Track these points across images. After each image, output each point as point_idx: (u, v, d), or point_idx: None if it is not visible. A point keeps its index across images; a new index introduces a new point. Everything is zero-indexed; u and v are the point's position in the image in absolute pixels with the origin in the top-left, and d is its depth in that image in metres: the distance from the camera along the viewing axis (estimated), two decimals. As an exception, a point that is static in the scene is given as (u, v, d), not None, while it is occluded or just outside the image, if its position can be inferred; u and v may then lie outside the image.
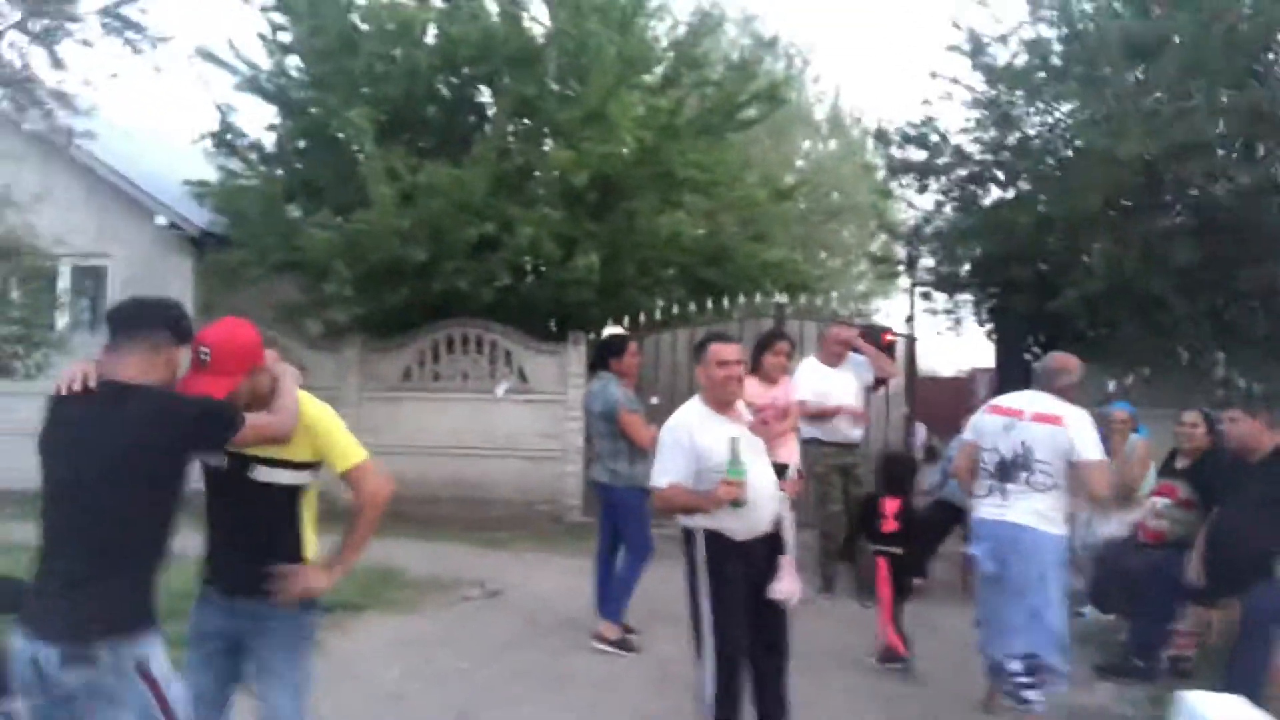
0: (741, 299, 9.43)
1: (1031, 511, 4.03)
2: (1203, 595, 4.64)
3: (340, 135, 9.10)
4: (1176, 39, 6.95)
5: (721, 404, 3.68)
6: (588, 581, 6.27)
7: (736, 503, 3.44)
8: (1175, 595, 4.75)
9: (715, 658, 3.68)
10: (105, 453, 2.21)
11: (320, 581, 2.66)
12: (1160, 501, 5.31)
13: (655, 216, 9.52)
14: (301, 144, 10.10)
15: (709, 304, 9.31)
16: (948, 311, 10.79)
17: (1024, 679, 3.98)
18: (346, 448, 2.69)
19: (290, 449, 2.58)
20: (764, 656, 3.75)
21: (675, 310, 9.33)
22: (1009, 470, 4.12)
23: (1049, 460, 4.03)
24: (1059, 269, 7.26)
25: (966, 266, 9.71)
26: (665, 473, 3.59)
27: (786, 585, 3.65)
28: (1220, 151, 7.20)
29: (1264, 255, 6.43)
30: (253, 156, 10.18)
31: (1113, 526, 5.68)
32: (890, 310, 25.75)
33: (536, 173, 9.43)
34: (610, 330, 6.28)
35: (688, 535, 3.66)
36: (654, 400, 8.03)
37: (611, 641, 5.13)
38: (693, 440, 3.57)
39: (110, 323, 2.41)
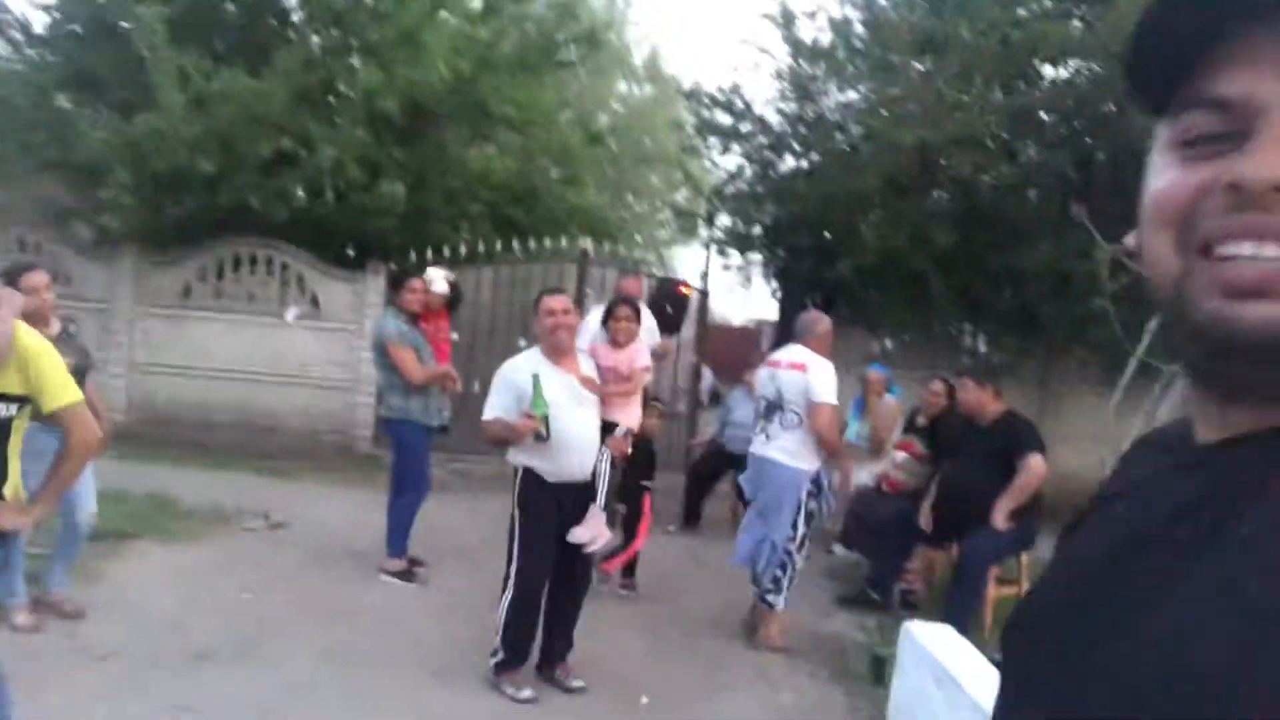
0: (548, 242, 9.53)
1: (780, 448, 4.66)
2: (931, 539, 5.36)
3: (125, 26, 8.30)
4: (962, 37, 7.63)
5: (556, 353, 3.92)
6: (375, 514, 6.31)
7: (538, 435, 3.76)
8: (908, 537, 5.45)
9: (514, 587, 3.95)
10: None
11: (12, 520, 2.65)
12: (900, 455, 6.02)
13: (466, 149, 9.38)
14: (79, 29, 9.11)
15: (514, 244, 9.35)
16: (740, 268, 11.43)
17: (766, 587, 4.70)
18: (59, 387, 2.65)
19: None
20: (563, 595, 4.05)
21: (481, 247, 9.30)
22: (770, 412, 4.73)
23: (796, 402, 4.62)
24: (839, 239, 7.89)
25: (758, 228, 10.28)
26: (491, 408, 3.95)
27: (586, 531, 3.93)
28: (990, 145, 8.02)
29: (1012, 243, 7.29)
30: (19, 37, 9.10)
31: (863, 476, 6.36)
32: (689, 261, 26.61)
33: (342, 90, 9.02)
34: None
35: (514, 471, 3.98)
36: (454, 336, 8.04)
37: (395, 573, 5.24)
38: (522, 383, 3.84)
39: None
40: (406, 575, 5.27)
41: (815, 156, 8.84)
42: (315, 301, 9.21)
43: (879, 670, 4.31)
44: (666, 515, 6.83)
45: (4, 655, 2.79)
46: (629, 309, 4.64)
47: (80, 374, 3.91)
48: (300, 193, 8.59)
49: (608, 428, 4.18)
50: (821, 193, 7.89)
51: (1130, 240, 5.37)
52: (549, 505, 3.95)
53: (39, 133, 8.23)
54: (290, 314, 9.14)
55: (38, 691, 3.40)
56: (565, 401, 3.95)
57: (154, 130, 7.60)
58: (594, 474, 4.04)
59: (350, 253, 9.54)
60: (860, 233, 7.21)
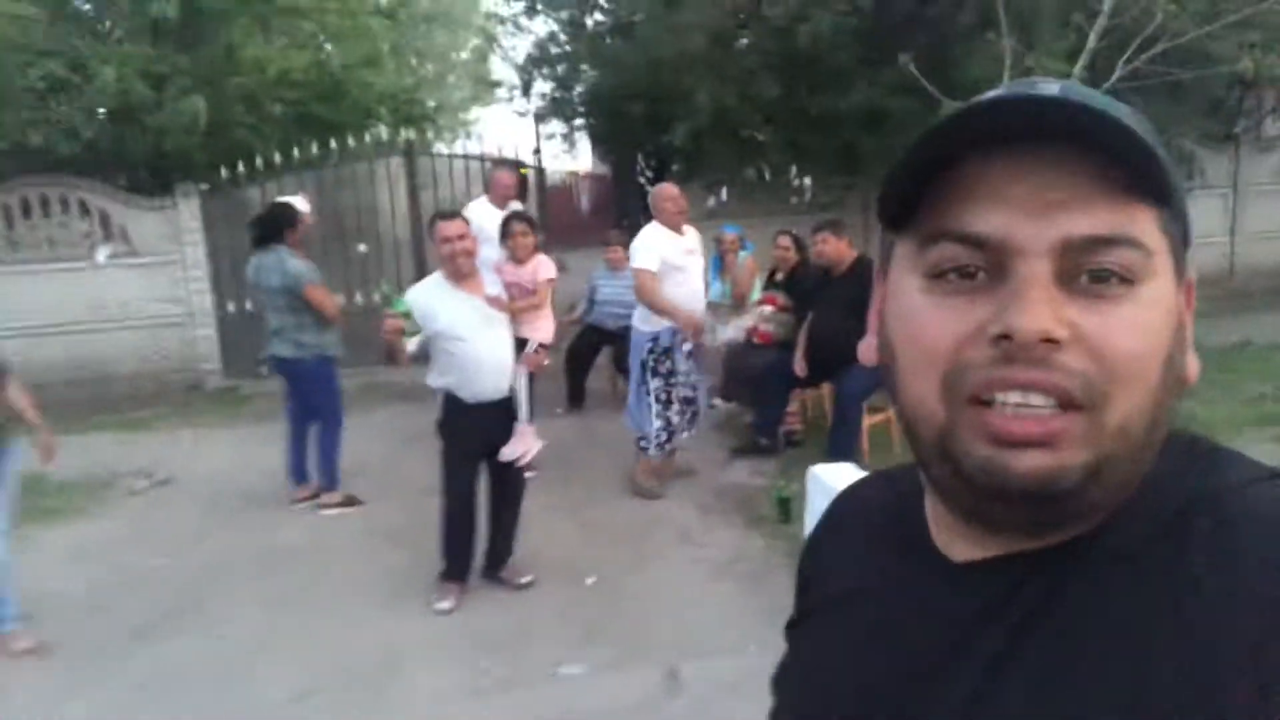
0: (367, 137, 9.09)
1: (636, 314, 5.24)
2: (805, 382, 5.86)
3: None
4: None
5: (458, 276, 3.95)
6: (258, 451, 6.24)
7: (402, 332, 3.92)
8: (785, 384, 5.92)
9: (445, 504, 4.13)
10: None
11: None
12: (765, 309, 6.43)
13: (259, 49, 8.68)
14: None
15: (331, 143, 8.87)
16: (564, 135, 11.37)
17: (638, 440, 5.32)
18: None
19: None
20: (499, 506, 4.25)
21: (296, 153, 8.77)
22: None
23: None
24: (668, 104, 7.98)
25: (579, 89, 10.18)
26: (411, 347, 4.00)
27: (516, 447, 4.10)
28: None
29: (829, 88, 7.63)
30: None
31: (730, 331, 6.76)
32: (492, 123, 25.86)
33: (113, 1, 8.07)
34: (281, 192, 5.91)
35: (434, 395, 4.13)
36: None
37: (339, 504, 5.32)
38: (429, 308, 3.93)
39: None
40: (350, 501, 5.36)
41: (632, 17, 8.74)
42: (125, 237, 8.51)
43: (785, 510, 4.81)
44: (552, 399, 7.04)
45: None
46: (524, 224, 4.68)
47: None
48: (85, 122, 7.76)
49: (520, 344, 4.29)
50: (647, 57, 7.90)
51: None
52: (471, 425, 4.08)
53: None
54: (101, 254, 8.42)
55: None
56: (475, 323, 4.02)
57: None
58: (511, 391, 4.18)
59: (152, 178, 8.79)
60: (693, 97, 7.33)
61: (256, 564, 4.71)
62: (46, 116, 7.56)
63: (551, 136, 11.28)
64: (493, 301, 4.09)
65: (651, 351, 5.15)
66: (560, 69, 10.12)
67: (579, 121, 10.70)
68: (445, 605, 4.12)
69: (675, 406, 5.19)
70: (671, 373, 5.16)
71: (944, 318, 0.55)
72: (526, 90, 11.12)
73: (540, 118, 11.05)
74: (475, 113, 25.07)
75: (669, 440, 5.29)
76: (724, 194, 9.31)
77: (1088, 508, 0.55)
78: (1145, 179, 0.52)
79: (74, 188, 8.28)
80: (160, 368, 8.67)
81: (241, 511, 5.43)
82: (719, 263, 7.03)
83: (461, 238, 3.95)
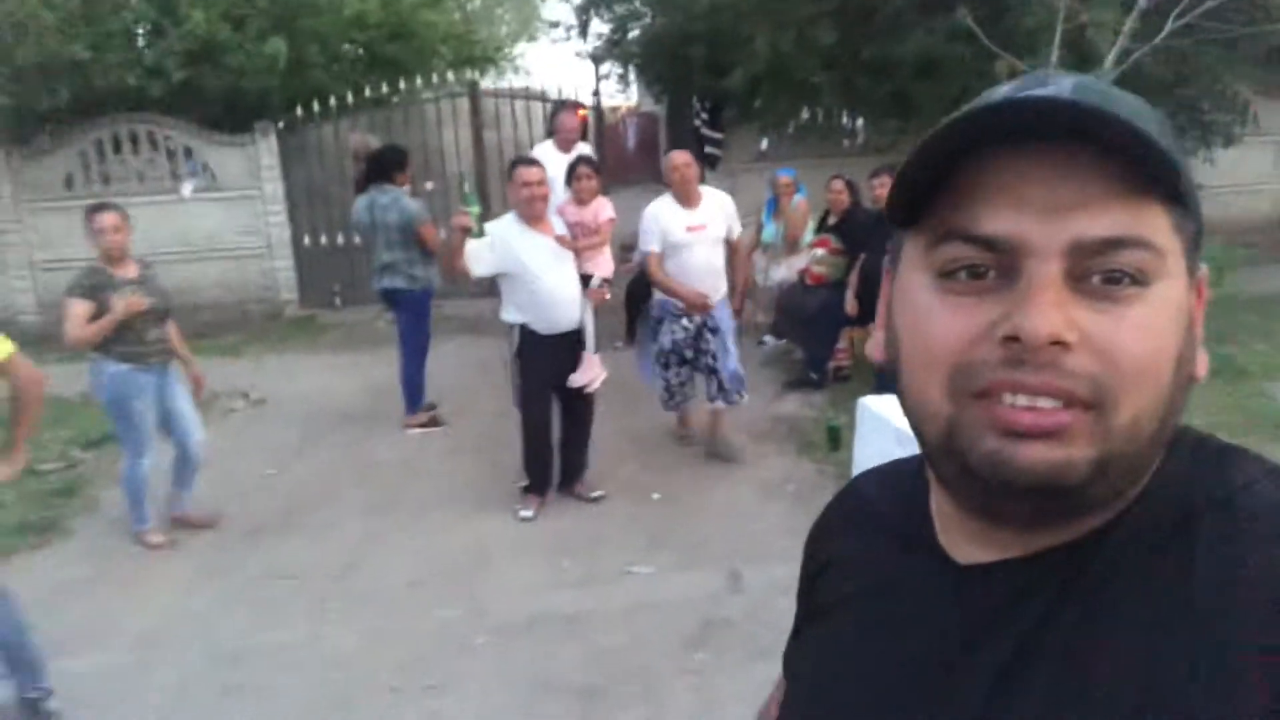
0: (435, 78, 9.43)
1: None
2: (855, 321, 6.20)
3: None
4: None
5: (532, 218, 4.35)
6: (342, 376, 6.75)
7: (468, 231, 4.29)
8: (836, 323, 6.27)
9: (524, 427, 4.58)
10: None
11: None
12: (818, 251, 6.75)
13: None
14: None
15: (400, 84, 9.23)
16: (620, 76, 11.59)
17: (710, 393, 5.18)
18: None
19: None
20: (571, 428, 4.71)
21: (368, 93, 9.14)
22: None
23: None
24: (726, 49, 8.19)
25: (636, 32, 10.36)
26: (479, 262, 4.36)
27: (584, 375, 4.54)
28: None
29: (887, 34, 7.79)
30: None
31: (783, 271, 7.09)
32: (535, 56, 25.86)
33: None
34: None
35: (510, 329, 4.51)
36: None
37: (423, 425, 5.83)
38: (507, 247, 4.33)
39: None
40: (434, 423, 5.87)
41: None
42: (209, 172, 9.00)
43: (834, 438, 5.20)
44: (613, 333, 7.45)
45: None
46: (588, 168, 5.01)
47: (163, 315, 4.16)
48: (173, 63, 8.19)
49: (584, 280, 4.69)
50: (708, 2, 8.10)
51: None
52: (545, 355, 4.51)
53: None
54: (186, 188, 8.93)
55: (152, 582, 3.91)
56: (547, 260, 4.43)
57: (14, 22, 7.06)
58: (580, 323, 4.60)
59: (231, 116, 9.22)
60: (752, 42, 7.55)
61: (353, 475, 5.24)
62: (138, 58, 7.98)
63: (607, 76, 11.49)
64: (561, 241, 4.48)
65: (658, 317, 5.17)
66: (619, 9, 10.30)
67: (635, 63, 10.86)
68: (528, 514, 4.61)
69: (672, 370, 5.14)
70: (676, 341, 5.07)
71: (953, 316, 0.55)
72: (584, 31, 11.31)
73: (597, 59, 11.25)
74: (520, 48, 25.28)
75: (671, 400, 5.27)
76: (776, 138, 9.55)
77: (1094, 503, 0.55)
78: (1157, 180, 0.52)
79: (161, 125, 8.76)
80: (242, 296, 9.22)
81: (334, 429, 5.96)
82: (774, 205, 7.32)
83: (540, 184, 4.35)
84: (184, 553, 4.41)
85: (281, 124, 9.05)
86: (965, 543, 0.62)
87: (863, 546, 0.74)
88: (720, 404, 5.16)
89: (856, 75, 8.42)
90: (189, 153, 8.91)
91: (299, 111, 9.00)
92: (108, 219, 4.06)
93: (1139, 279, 0.53)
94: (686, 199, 4.86)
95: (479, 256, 4.36)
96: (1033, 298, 0.52)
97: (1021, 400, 0.52)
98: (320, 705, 3.21)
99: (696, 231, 4.87)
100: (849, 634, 0.70)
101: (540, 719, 3.10)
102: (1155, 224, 0.53)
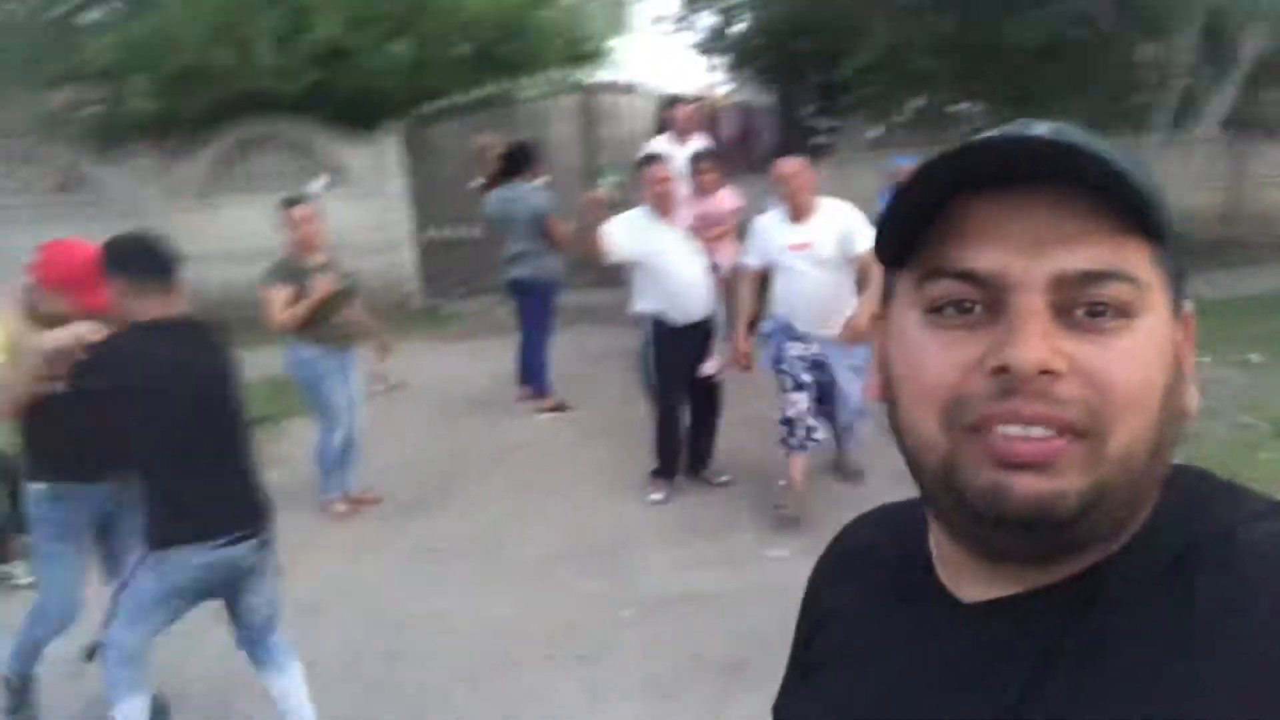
0: (546, 77, 9.70)
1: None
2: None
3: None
4: None
5: (664, 211, 4.52)
6: (471, 363, 7.04)
7: (604, 207, 4.51)
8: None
9: (657, 414, 4.75)
10: None
11: None
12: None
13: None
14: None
15: (513, 81, 9.53)
16: (728, 67, 11.68)
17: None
18: None
19: None
20: (701, 415, 4.86)
21: (483, 91, 9.46)
22: None
23: None
24: (837, 39, 8.21)
25: (744, 25, 10.43)
26: (616, 246, 4.53)
27: (714, 364, 4.69)
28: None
29: (1004, 19, 7.68)
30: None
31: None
32: (625, 47, 26.00)
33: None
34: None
35: (640, 320, 4.68)
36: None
37: (552, 408, 6.10)
38: (641, 237, 4.52)
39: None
40: (560, 407, 6.13)
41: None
42: (336, 171, 9.47)
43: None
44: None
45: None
46: (709, 162, 5.15)
47: (350, 295, 4.50)
48: (310, 65, 8.64)
49: (712, 269, 4.83)
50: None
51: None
52: (678, 344, 4.67)
53: (36, 44, 8.11)
54: (316, 185, 9.40)
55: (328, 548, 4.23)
56: (681, 251, 4.59)
57: (160, 31, 7.58)
58: (710, 311, 4.74)
59: (355, 117, 9.65)
60: (870, 30, 7.56)
61: (491, 457, 5.52)
62: (280, 63, 8.45)
63: (714, 68, 11.59)
64: (695, 227, 4.65)
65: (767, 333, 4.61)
66: (727, 1, 10.39)
67: (742, 54, 10.93)
68: (658, 496, 4.80)
69: (789, 393, 4.44)
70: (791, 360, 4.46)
71: (943, 350, 0.56)
72: (690, 23, 11.43)
73: (705, 51, 11.36)
74: (615, 41, 25.40)
75: (792, 435, 4.45)
76: (887, 126, 9.51)
77: (1087, 538, 0.56)
78: (1137, 216, 0.54)
79: (294, 126, 9.26)
80: (368, 288, 9.62)
81: (469, 413, 6.27)
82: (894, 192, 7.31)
83: (668, 180, 4.56)
84: (343, 527, 4.74)
85: (405, 123, 9.44)
86: (967, 581, 0.62)
87: (861, 594, 0.73)
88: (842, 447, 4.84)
89: (972, 61, 8.33)
90: (317, 152, 9.38)
91: (420, 111, 9.38)
92: (302, 211, 4.40)
93: (1123, 311, 0.54)
94: (797, 212, 4.29)
95: (616, 240, 4.52)
96: (1019, 329, 0.53)
97: (1014, 430, 0.53)
98: (483, 670, 3.45)
99: (799, 251, 4.28)
100: (854, 693, 0.68)
101: (690, 690, 3.27)
102: (1136, 258, 0.55)
